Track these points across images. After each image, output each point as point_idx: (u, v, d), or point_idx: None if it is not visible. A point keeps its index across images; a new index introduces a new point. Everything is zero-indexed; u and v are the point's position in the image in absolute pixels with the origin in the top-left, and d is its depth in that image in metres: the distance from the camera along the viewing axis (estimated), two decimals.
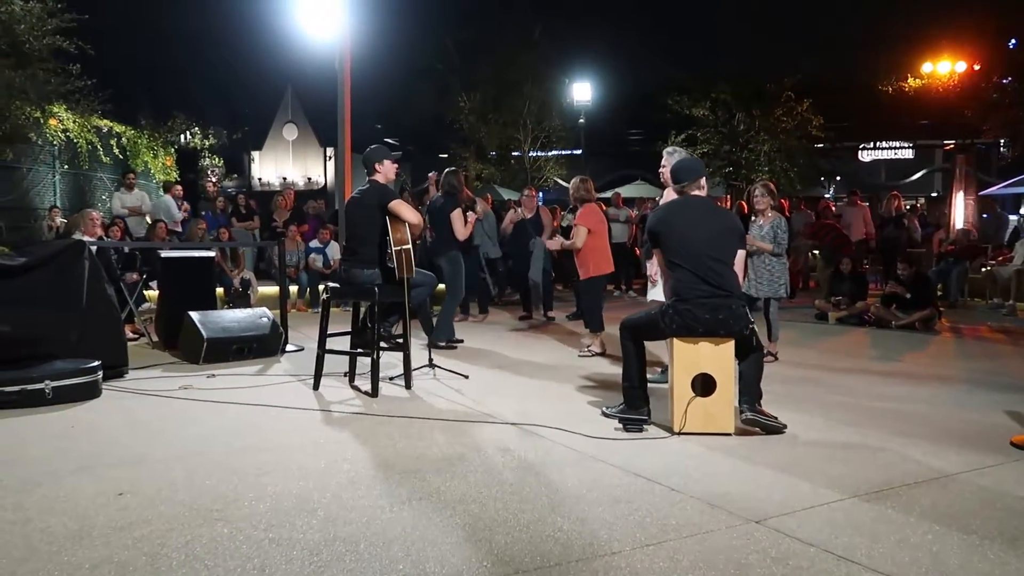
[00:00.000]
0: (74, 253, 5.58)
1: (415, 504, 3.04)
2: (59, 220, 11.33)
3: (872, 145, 30.70)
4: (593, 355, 6.66)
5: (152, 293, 8.63)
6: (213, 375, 5.75)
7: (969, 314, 10.03)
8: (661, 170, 5.30)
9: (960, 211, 15.70)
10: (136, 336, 7.50)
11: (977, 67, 14.21)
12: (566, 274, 11.18)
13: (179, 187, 13.03)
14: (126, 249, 8.70)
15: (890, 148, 30.84)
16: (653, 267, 5.22)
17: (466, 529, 2.80)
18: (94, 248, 6.03)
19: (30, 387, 4.68)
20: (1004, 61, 13.68)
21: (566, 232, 9.19)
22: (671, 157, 5.22)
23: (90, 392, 4.93)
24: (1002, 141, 15.73)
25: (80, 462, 3.60)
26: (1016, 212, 16.95)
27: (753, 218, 6.47)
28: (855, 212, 12.11)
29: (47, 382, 4.73)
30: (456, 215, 7.01)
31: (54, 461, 3.62)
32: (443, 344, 6.93)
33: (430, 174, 8.16)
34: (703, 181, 4.33)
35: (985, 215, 14.19)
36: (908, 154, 30.83)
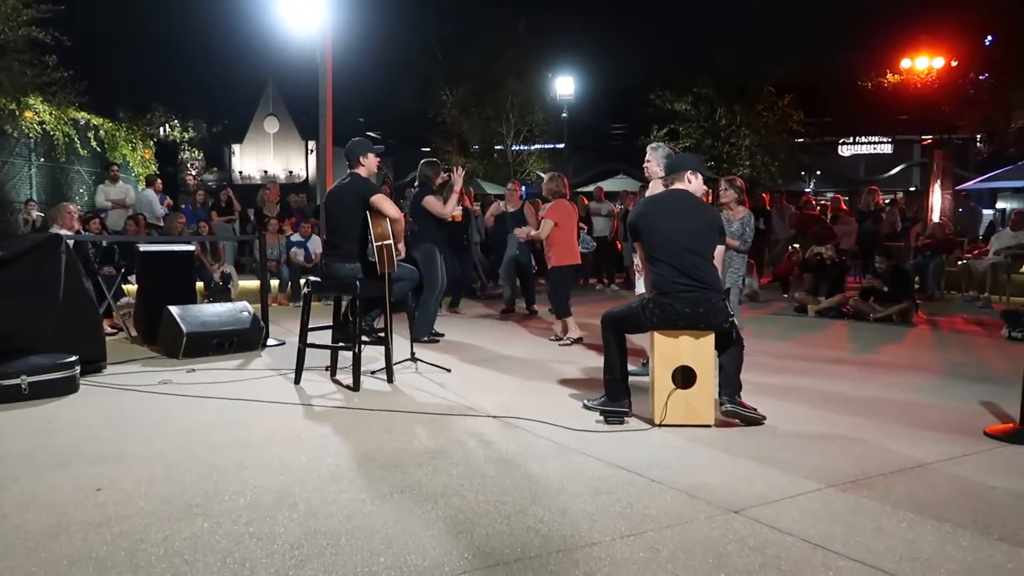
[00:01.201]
0: (51, 247, 5.51)
1: (396, 497, 3.05)
2: (35, 214, 11.20)
3: (852, 140, 31.00)
4: (572, 342, 6.85)
5: (131, 287, 8.55)
6: (193, 370, 5.71)
7: (945, 306, 10.18)
8: (646, 164, 5.35)
9: (937, 205, 15.90)
10: (114, 331, 7.43)
11: (955, 63, 14.36)
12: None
13: (160, 181, 12.92)
14: (104, 243, 8.61)
15: (869, 143, 31.17)
16: (638, 258, 5.26)
17: (447, 522, 2.80)
18: (71, 242, 5.96)
19: (5, 382, 4.62)
20: (981, 58, 13.84)
21: None
22: (655, 152, 5.29)
23: (67, 387, 4.87)
24: (978, 136, 15.92)
25: (57, 458, 3.56)
26: (992, 207, 17.19)
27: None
28: (845, 226, 12.18)
29: (23, 377, 4.67)
30: (429, 200, 6.97)
31: (31, 457, 3.58)
32: (425, 339, 6.92)
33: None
34: (688, 175, 4.32)
35: (960, 209, 14.37)
36: (887, 149, 31.17)
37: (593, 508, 2.93)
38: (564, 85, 23.96)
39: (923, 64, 15.17)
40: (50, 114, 12.75)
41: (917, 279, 10.78)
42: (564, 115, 24.14)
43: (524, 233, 7.45)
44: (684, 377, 4.08)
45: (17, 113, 11.96)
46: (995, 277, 10.44)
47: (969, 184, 18.17)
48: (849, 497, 3.06)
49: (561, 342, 6.93)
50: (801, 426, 4.13)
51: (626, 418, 4.18)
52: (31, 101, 12.19)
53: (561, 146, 25.59)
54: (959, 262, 11.33)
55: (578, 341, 6.88)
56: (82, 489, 3.13)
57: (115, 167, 12.27)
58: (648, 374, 4.49)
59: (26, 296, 5.26)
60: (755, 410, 4.14)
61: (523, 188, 8.20)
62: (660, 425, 4.03)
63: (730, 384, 4.17)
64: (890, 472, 3.36)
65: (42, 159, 13.01)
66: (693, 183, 4.34)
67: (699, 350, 4.08)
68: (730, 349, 4.19)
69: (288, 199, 12.98)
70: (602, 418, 4.19)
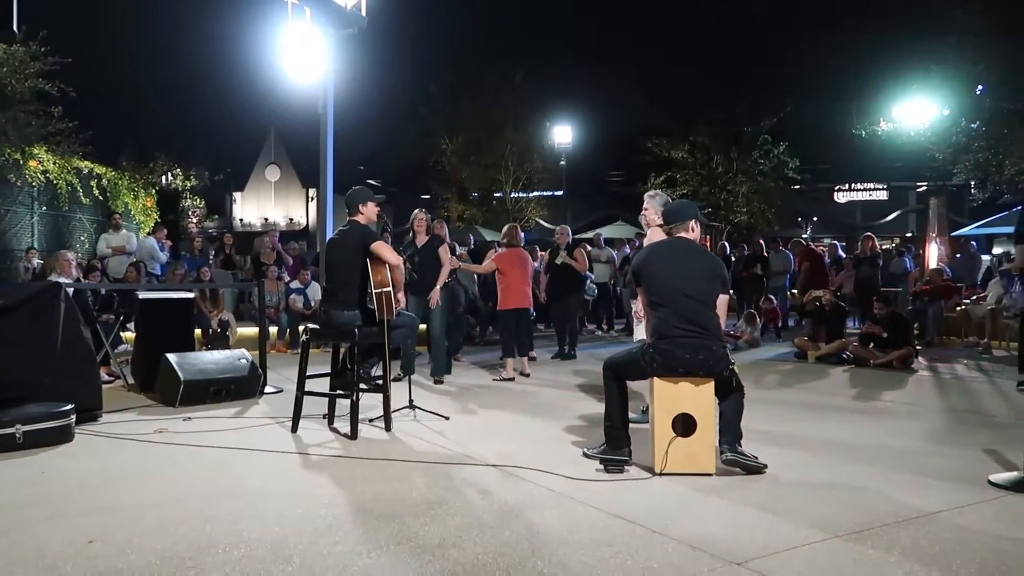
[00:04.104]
0: (50, 295, 5.52)
1: (393, 549, 2.99)
2: (36, 262, 11.23)
3: (847, 187, 31.35)
4: (503, 380, 7.50)
5: (129, 335, 8.53)
6: (189, 418, 5.66)
7: (945, 352, 10.14)
8: (643, 213, 5.38)
9: (934, 251, 15.97)
10: (112, 378, 7.39)
11: (946, 112, 14.56)
12: (546, 314, 11.21)
13: (165, 230, 13.03)
14: (103, 291, 8.62)
15: (865, 189, 31.51)
16: (637, 304, 5.26)
17: (445, 574, 2.75)
18: (71, 290, 5.96)
19: (0, 431, 4.57)
20: (972, 106, 14.05)
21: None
22: (652, 200, 5.33)
23: (62, 436, 4.82)
24: (972, 183, 16.06)
25: (49, 509, 3.51)
26: (988, 252, 17.27)
27: None
28: (848, 276, 12.53)
29: (18, 426, 4.63)
30: (441, 250, 7.47)
31: (22, 508, 3.52)
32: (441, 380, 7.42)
33: (418, 215, 7.67)
34: (693, 223, 4.36)
35: (959, 255, 14.44)
36: (882, 195, 31.50)
37: (593, 560, 2.88)
38: (562, 133, 24.31)
39: (915, 112, 15.39)
40: (54, 163, 12.88)
41: (916, 325, 10.77)
42: (562, 163, 24.44)
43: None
44: (684, 425, 4.04)
45: (21, 163, 12.09)
46: (994, 323, 10.43)
47: (965, 230, 18.29)
48: (853, 547, 3.01)
49: (494, 378, 7.62)
50: (803, 474, 4.08)
51: (626, 466, 4.13)
52: (35, 151, 12.33)
53: (559, 193, 25.85)
54: (958, 308, 11.34)
55: (510, 380, 7.50)
56: (73, 542, 3.07)
57: (117, 216, 12.41)
58: (648, 421, 4.45)
59: (23, 344, 5.25)
60: (756, 458, 4.09)
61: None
62: (661, 474, 3.98)
63: (731, 432, 4.13)
64: (894, 522, 3.31)
65: (44, 207, 13.08)
66: (696, 231, 4.38)
67: (699, 397, 4.06)
68: (731, 397, 4.16)
69: (286, 247, 13.04)
70: (602, 467, 4.14)
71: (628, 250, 13.19)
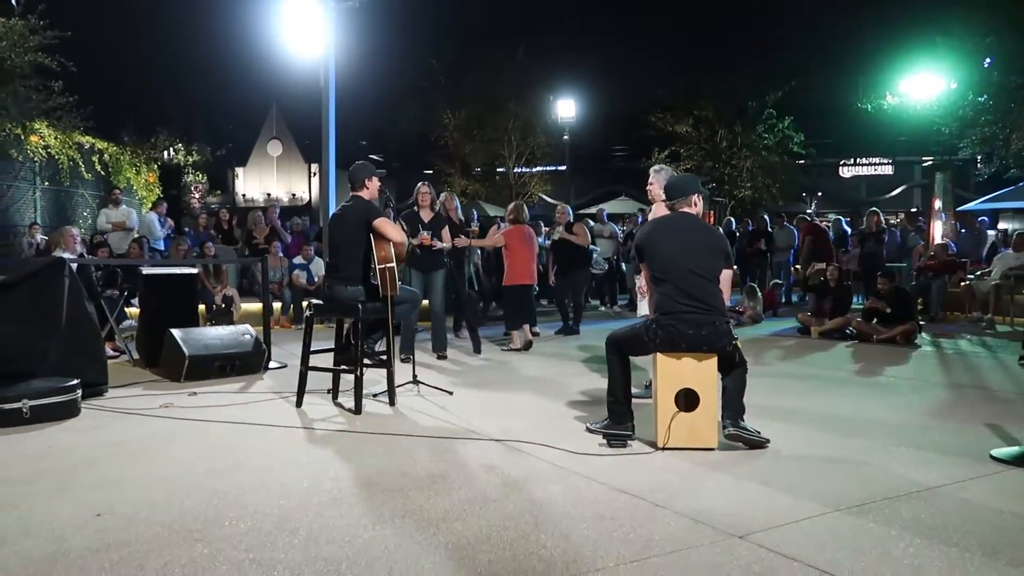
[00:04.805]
0: (54, 271, 5.52)
1: (398, 522, 3.02)
2: (39, 237, 11.24)
3: (852, 161, 31.15)
4: (511, 350, 7.89)
5: (134, 310, 8.56)
6: (195, 393, 5.70)
7: (949, 328, 10.13)
8: (649, 187, 5.37)
9: (939, 226, 15.90)
10: (117, 354, 7.42)
11: (953, 85, 14.40)
12: (550, 290, 11.22)
13: (165, 205, 13.02)
14: (111, 266, 8.63)
15: (870, 164, 31.31)
16: (641, 280, 5.26)
17: (449, 547, 2.78)
18: (74, 265, 5.97)
19: (7, 406, 4.61)
20: (980, 80, 13.90)
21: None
22: (658, 175, 5.31)
23: (69, 411, 4.86)
24: (978, 157, 15.93)
25: (57, 483, 3.54)
26: (994, 227, 17.20)
27: None
28: (855, 256, 12.55)
29: (24, 401, 4.66)
30: (444, 232, 7.39)
31: (30, 482, 3.56)
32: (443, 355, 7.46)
33: (422, 188, 7.42)
34: (695, 198, 4.34)
35: (963, 230, 14.39)
36: (888, 170, 31.31)
37: (596, 533, 2.90)
38: (565, 108, 24.09)
39: (922, 86, 15.23)
40: (55, 138, 12.83)
41: (920, 300, 10.75)
42: (565, 137, 24.26)
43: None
44: (687, 400, 4.06)
45: (23, 137, 12.05)
46: (998, 298, 10.42)
47: (971, 205, 18.18)
48: (855, 521, 3.03)
49: (504, 348, 8.03)
50: (805, 449, 4.10)
51: (629, 441, 4.15)
52: (36, 126, 12.29)
53: (563, 168, 25.69)
54: (962, 283, 11.31)
55: (518, 350, 7.84)
56: (81, 515, 3.11)
57: (117, 191, 12.40)
58: (651, 396, 4.47)
59: (29, 319, 5.27)
60: (759, 433, 4.11)
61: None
62: (663, 448, 4.00)
63: (733, 407, 4.14)
64: (896, 496, 3.33)
65: (46, 183, 13.06)
66: (698, 206, 4.36)
67: (702, 372, 4.06)
68: (733, 372, 4.17)
69: (289, 223, 13.01)
70: (605, 441, 4.16)
71: (639, 219, 13.15)
